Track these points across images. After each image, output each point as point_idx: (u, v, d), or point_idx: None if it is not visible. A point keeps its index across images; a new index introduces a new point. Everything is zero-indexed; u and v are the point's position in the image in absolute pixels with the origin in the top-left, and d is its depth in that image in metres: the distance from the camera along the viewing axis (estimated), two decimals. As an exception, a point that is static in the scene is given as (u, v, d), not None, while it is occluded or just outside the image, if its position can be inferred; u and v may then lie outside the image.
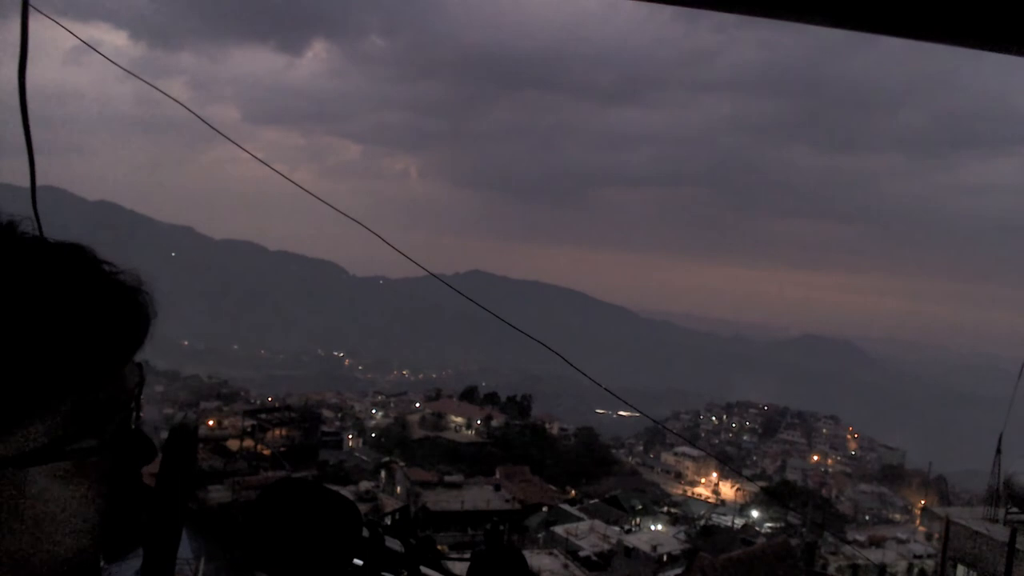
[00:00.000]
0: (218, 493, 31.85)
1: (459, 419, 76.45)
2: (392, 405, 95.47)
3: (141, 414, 0.75)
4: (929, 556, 38.33)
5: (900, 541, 44.00)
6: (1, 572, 0.64)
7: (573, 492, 53.87)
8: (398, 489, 45.11)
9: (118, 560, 0.73)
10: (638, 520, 46.44)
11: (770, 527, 47.86)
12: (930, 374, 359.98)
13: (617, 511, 45.63)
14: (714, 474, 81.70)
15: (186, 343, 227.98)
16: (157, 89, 2.98)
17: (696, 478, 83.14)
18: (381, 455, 58.20)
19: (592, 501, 47.54)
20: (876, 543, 42.63)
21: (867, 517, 68.94)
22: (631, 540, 36.25)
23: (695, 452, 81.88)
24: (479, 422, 74.76)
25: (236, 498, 29.98)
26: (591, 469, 63.36)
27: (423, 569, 0.99)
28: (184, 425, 0.79)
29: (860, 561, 36.48)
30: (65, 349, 0.63)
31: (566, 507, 43.88)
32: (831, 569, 35.51)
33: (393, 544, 0.97)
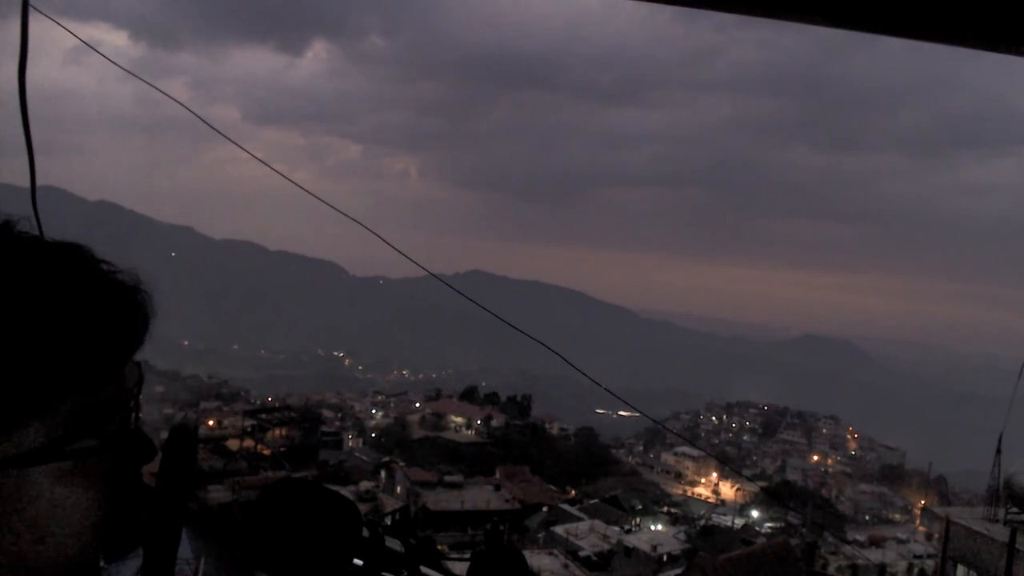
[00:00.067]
0: (218, 493, 31.84)
1: (459, 419, 76.42)
2: (392, 405, 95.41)
3: (140, 414, 0.75)
4: (929, 556, 38.30)
5: (900, 541, 43.99)
6: (1, 572, 0.64)
7: (573, 492, 53.87)
8: (398, 489, 45.09)
9: (118, 560, 0.73)
10: (638, 520, 46.41)
11: (770, 527, 47.83)
12: (930, 374, 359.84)
13: (617, 511, 45.60)
14: (714, 474, 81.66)
15: (186, 343, 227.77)
16: (157, 89, 2.99)
17: (696, 478, 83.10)
18: (381, 455, 58.14)
19: (592, 501, 47.52)
20: (876, 543, 42.62)
21: (867, 517, 69.02)
22: (631, 540, 36.21)
23: (695, 452, 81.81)
24: (479, 422, 74.74)
25: (236, 498, 29.94)
26: (591, 469, 63.36)
27: (423, 569, 1.00)
28: (184, 425, 0.79)
29: (860, 561, 36.49)
30: (64, 349, 0.63)
31: (566, 507, 43.86)
32: (831, 569, 35.49)
33: (393, 544, 0.97)
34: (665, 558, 34.42)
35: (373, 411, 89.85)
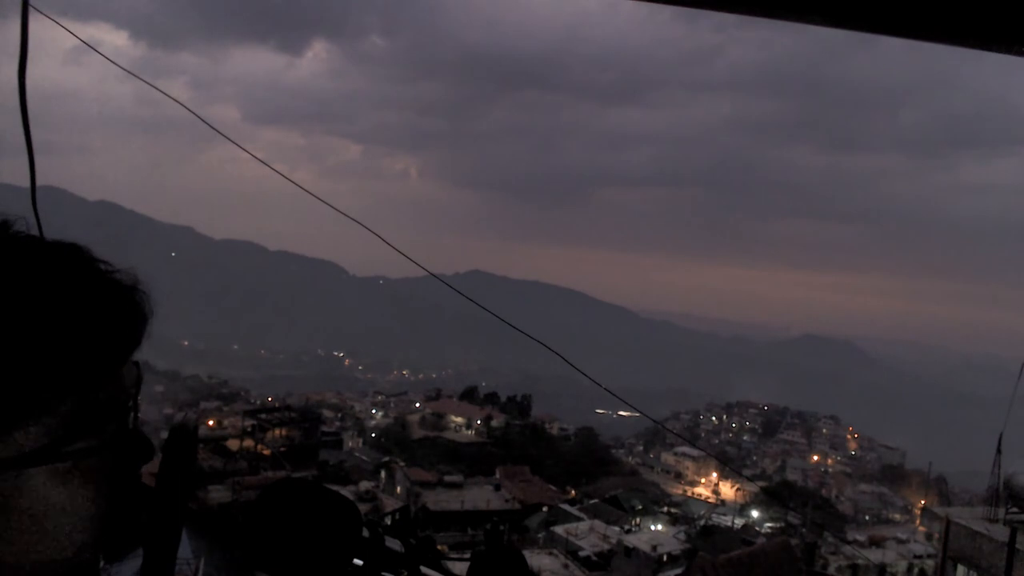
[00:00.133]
0: (218, 493, 31.77)
1: (459, 419, 76.47)
2: (392, 405, 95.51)
3: (140, 414, 0.75)
4: (929, 556, 38.29)
5: (900, 541, 43.98)
6: (1, 572, 0.64)
7: (573, 492, 53.87)
8: (398, 489, 45.10)
9: (118, 560, 0.73)
10: (638, 520, 46.39)
11: (770, 527, 47.80)
12: (930, 374, 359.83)
13: (617, 511, 45.59)
14: (714, 474, 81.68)
15: (186, 343, 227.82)
16: (157, 89, 2.99)
17: (696, 478, 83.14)
18: (381, 455, 58.16)
19: (592, 501, 47.52)
20: (876, 543, 42.61)
21: (867, 517, 69.08)
22: (631, 540, 36.20)
23: (695, 452, 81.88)
24: (479, 422, 74.77)
25: (236, 498, 29.90)
26: (591, 469, 63.34)
27: (423, 569, 1.00)
28: (184, 425, 0.79)
29: (860, 561, 36.49)
30: (63, 349, 0.63)
31: (566, 507, 43.85)
32: (831, 569, 35.49)
33: (393, 544, 0.97)
34: (665, 558, 34.42)
35: (373, 411, 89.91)
